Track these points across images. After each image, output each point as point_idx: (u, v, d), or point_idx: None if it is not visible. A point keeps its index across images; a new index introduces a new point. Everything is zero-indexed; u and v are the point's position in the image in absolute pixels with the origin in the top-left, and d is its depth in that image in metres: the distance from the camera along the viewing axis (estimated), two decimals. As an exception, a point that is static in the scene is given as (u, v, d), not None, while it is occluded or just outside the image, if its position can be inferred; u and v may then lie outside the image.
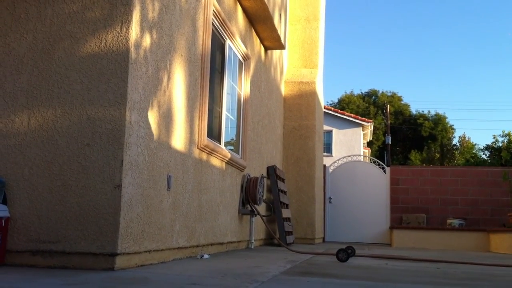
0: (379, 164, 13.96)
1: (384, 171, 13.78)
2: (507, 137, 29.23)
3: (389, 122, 39.29)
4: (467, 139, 48.44)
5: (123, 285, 3.07)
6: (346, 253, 5.86)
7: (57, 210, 3.88)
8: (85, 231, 3.82)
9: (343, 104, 48.21)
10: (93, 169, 3.88)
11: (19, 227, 3.93)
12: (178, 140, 4.94)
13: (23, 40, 4.19)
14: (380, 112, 47.51)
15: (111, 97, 3.94)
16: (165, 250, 4.64)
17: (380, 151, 44.86)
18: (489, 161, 29.16)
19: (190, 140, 5.31)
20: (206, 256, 5.32)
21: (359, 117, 31.29)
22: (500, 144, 29.18)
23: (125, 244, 3.84)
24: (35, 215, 3.92)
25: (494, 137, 35.76)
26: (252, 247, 7.82)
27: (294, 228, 10.49)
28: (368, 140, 35.93)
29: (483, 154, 35.31)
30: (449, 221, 12.85)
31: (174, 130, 4.83)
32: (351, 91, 52.26)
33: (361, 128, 30.36)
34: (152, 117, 4.34)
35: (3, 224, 3.78)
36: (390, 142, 37.13)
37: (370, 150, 38.23)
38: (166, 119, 4.65)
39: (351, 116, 30.45)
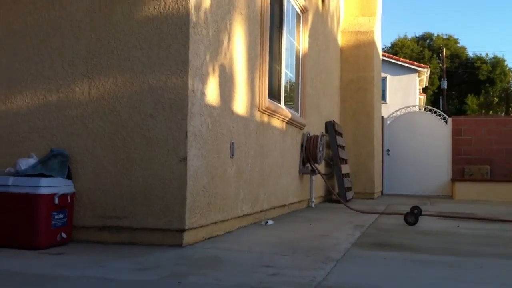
0: (439, 115, 13.41)
1: (446, 122, 13.24)
2: None
3: (444, 66, 37.85)
4: (528, 81, 46.22)
5: (195, 269, 2.95)
6: (414, 216, 5.62)
7: (122, 184, 3.78)
8: (151, 206, 3.71)
9: (396, 48, 46.58)
10: (157, 141, 3.74)
11: (85, 203, 3.86)
12: (240, 104, 4.74)
13: (79, 3, 4.00)
14: (435, 56, 45.76)
15: (172, 64, 3.74)
16: (231, 219, 4.52)
17: (435, 96, 43.46)
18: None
19: (252, 103, 5.09)
20: (270, 222, 5.19)
21: (415, 63, 30.20)
22: None
23: (192, 219, 3.73)
24: (101, 189, 3.83)
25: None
26: (313, 205, 7.67)
27: (352, 183, 10.26)
28: (424, 86, 34.80)
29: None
30: (515, 172, 12.30)
31: (235, 94, 4.62)
32: (405, 35, 50.35)
33: (416, 74, 29.32)
34: (214, 82, 4.13)
35: (69, 201, 3.71)
36: (446, 87, 35.84)
37: (425, 96, 37.10)
38: (228, 83, 4.44)
39: (406, 62, 29.39)
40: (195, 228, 3.80)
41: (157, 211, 3.70)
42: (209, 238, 4.06)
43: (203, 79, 3.94)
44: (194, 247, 3.67)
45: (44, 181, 3.53)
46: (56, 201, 3.55)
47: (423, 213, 6.13)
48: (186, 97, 3.70)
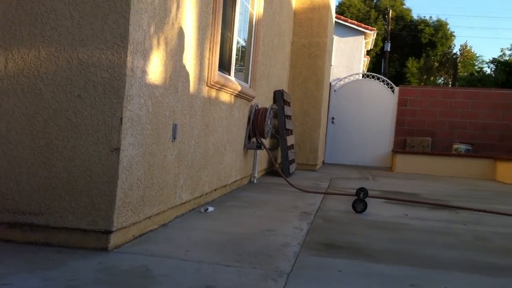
0: (387, 83, 13.22)
1: (393, 91, 13.09)
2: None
3: (389, 28, 37.85)
4: (468, 48, 47.03)
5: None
6: (362, 203, 5.34)
7: (41, 175, 3.22)
8: (73, 202, 3.18)
9: (343, 7, 46.12)
10: (85, 126, 3.18)
11: (-6, 193, 3.29)
12: (186, 80, 4.21)
13: (-4, -46, 3.31)
14: (381, 17, 45.67)
15: (108, 38, 3.16)
16: (167, 210, 4.06)
17: (377, 58, 43.56)
18: (494, 76, 28.25)
19: (199, 78, 4.57)
20: (210, 209, 4.76)
21: (363, 25, 29.92)
22: (507, 58, 28.19)
23: (121, 218, 3.24)
24: (13, 180, 3.25)
25: (501, 50, 34.60)
26: (255, 181, 7.30)
27: (296, 154, 9.96)
28: (369, 49, 34.76)
29: (488, 68, 34.18)
30: (455, 146, 12.36)
31: (182, 70, 4.09)
32: (352, -6, 49.93)
33: (363, 36, 29.10)
34: (158, 58, 3.58)
35: (-25, 193, 3.14)
36: (389, 49, 35.95)
37: (369, 58, 37.09)
38: (174, 57, 3.89)
39: (354, 24, 29.06)
40: (124, 228, 3.31)
41: (80, 209, 3.17)
42: (140, 236, 3.58)
43: (145, 55, 3.38)
44: (121, 252, 3.18)
45: None
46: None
47: (369, 194, 5.89)
48: (123, 76, 3.14)
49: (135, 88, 3.28)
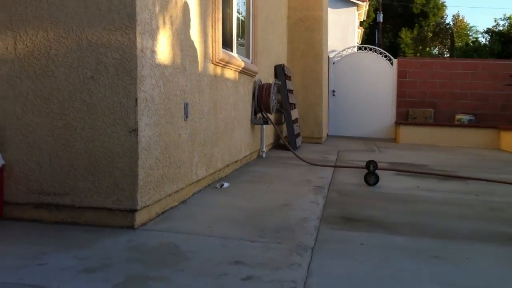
0: (385, 56, 13.17)
1: (391, 63, 13.05)
2: (508, 20, 28.09)
3: (381, -2, 37.57)
4: (461, 18, 46.77)
5: (153, 270, 2.50)
6: (374, 176, 5.35)
7: (61, 156, 3.22)
8: (97, 182, 3.19)
9: (333, -23, 45.65)
10: (101, 108, 3.17)
11: (16, 176, 3.30)
12: (193, 59, 4.18)
13: None
14: (372, -14, 45.22)
15: (116, 18, 3.12)
16: (185, 187, 4.07)
17: (370, 29, 43.25)
18: (489, 46, 28.19)
19: (205, 56, 4.53)
20: (226, 184, 4.77)
21: (354, -4, 29.72)
22: (501, 28, 28.08)
23: (145, 196, 3.25)
24: (35, 162, 3.26)
25: (495, 21, 34.44)
26: (264, 155, 7.29)
27: (300, 127, 9.95)
28: (361, 20, 34.53)
29: (483, 38, 34.00)
30: (458, 116, 12.36)
31: (188, 48, 4.05)
32: (343, -37, 49.35)
33: (355, 7, 28.88)
34: (166, 37, 3.55)
35: (-3, 175, 3.14)
36: (381, 20, 35.72)
37: (362, 30, 36.82)
38: (180, 35, 3.86)
39: (346, -5, 28.86)
40: (147, 206, 3.33)
41: (104, 188, 3.19)
42: (162, 213, 3.60)
43: (153, 35, 3.35)
44: (147, 230, 3.20)
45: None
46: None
47: (378, 167, 5.89)
48: (134, 57, 3.12)
49: (147, 69, 3.25)
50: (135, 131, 3.13)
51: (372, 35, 38.91)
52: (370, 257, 2.89)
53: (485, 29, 35.36)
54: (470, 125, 12.01)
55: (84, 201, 3.22)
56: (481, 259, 2.96)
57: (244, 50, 6.65)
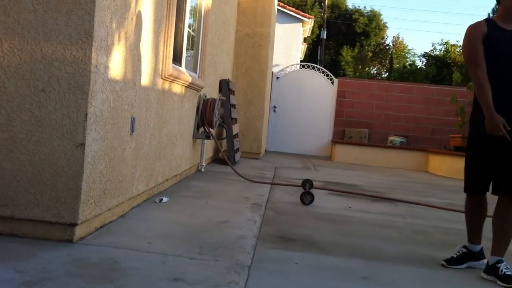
0: (327, 75, 13.58)
1: (332, 82, 13.47)
2: (445, 45, 29.41)
3: (325, 16, 38.47)
4: (400, 39, 48.41)
5: (93, 284, 2.57)
6: (310, 195, 5.58)
7: (4, 167, 3.21)
8: (38, 195, 3.21)
9: (280, -9, 46.38)
10: (49, 121, 3.20)
11: (-45, 184, 3.26)
12: (143, 74, 4.26)
13: None
14: (317, 4, 46.25)
15: (73, 34, 3.17)
16: (125, 202, 4.12)
17: (313, 45, 44.19)
18: (425, 69, 29.40)
19: (155, 71, 4.62)
20: (165, 199, 4.84)
21: (301, 13, 30.22)
22: (438, 53, 29.35)
23: (86, 211, 3.29)
24: (-25, 171, 3.24)
25: (432, 45, 35.83)
26: (203, 170, 7.40)
27: (240, 142, 10.12)
28: (306, 36, 35.23)
29: (420, 61, 35.36)
30: (390, 138, 12.91)
31: (139, 63, 4.13)
32: (290, -22, 50.25)
33: (301, 24, 29.47)
34: (119, 53, 3.62)
35: None
36: (325, 37, 36.56)
37: (306, 45, 37.55)
38: (133, 51, 3.93)
39: (292, 11, 29.33)
40: (87, 220, 3.37)
41: (45, 201, 3.20)
42: (101, 227, 3.64)
43: (108, 51, 3.41)
44: (86, 244, 3.24)
45: None
46: None
47: (314, 186, 6.12)
48: (88, 73, 3.17)
49: (99, 84, 3.31)
50: (82, 145, 3.18)
51: (315, 51, 39.73)
52: (304, 277, 3.07)
53: (423, 52, 36.83)
54: (401, 147, 12.58)
55: (24, 213, 3.22)
56: (406, 281, 3.20)
57: (191, 63, 6.75)
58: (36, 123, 3.20)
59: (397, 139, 12.79)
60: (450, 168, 10.96)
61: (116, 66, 3.57)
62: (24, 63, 3.20)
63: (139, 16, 3.99)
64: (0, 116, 3.21)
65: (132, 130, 4.08)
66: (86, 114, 3.18)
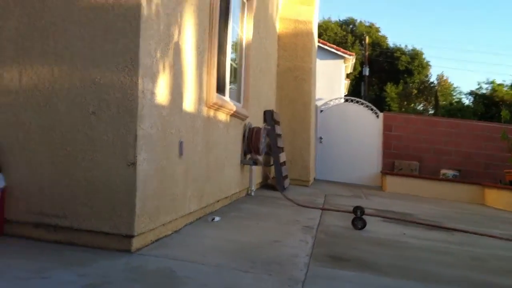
0: (372, 109, 13.54)
1: (377, 116, 13.42)
2: (492, 84, 29.01)
3: (367, 53, 38.56)
4: (445, 78, 47.85)
5: (151, 286, 2.60)
6: (361, 221, 5.47)
7: (62, 183, 3.37)
8: (95, 208, 3.32)
9: (321, 30, 46.70)
10: (101, 141, 3.33)
11: (17, 196, 3.46)
12: (188, 101, 4.38)
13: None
14: (357, 42, 46.46)
15: (119, 61, 3.31)
16: (178, 218, 4.20)
17: (356, 81, 44.17)
18: (473, 107, 28.96)
19: (199, 99, 4.74)
20: (217, 218, 4.93)
21: (341, 49, 30.37)
22: (484, 91, 28.98)
23: (141, 224, 3.37)
24: (36, 185, 3.42)
25: (478, 84, 35.40)
26: (252, 194, 7.49)
27: (288, 170, 10.11)
28: (348, 72, 35.29)
29: (466, 99, 34.87)
30: (443, 171, 12.69)
31: (184, 91, 4.25)
32: (329, 17, 50.81)
33: (343, 60, 29.58)
34: (164, 80, 3.74)
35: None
36: (367, 74, 36.56)
37: (349, 81, 37.58)
38: (177, 80, 4.06)
39: (333, 47, 29.48)
40: (143, 233, 3.45)
41: (102, 214, 3.32)
42: (157, 240, 3.72)
43: (153, 78, 3.54)
44: (144, 254, 3.32)
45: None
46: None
47: (365, 212, 6.01)
48: (136, 98, 3.30)
49: (146, 109, 3.43)
50: (134, 164, 3.27)
51: (358, 87, 39.71)
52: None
53: (469, 91, 36.35)
54: (455, 180, 12.31)
55: (83, 224, 3.34)
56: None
57: (235, 94, 6.87)
58: (89, 142, 3.33)
59: (449, 173, 12.53)
60: (508, 202, 10.60)
61: (162, 92, 3.68)
62: (74, 87, 3.37)
63: (182, 47, 4.13)
64: (55, 136, 3.37)
65: (181, 153, 4.16)
66: (136, 135, 3.28)
